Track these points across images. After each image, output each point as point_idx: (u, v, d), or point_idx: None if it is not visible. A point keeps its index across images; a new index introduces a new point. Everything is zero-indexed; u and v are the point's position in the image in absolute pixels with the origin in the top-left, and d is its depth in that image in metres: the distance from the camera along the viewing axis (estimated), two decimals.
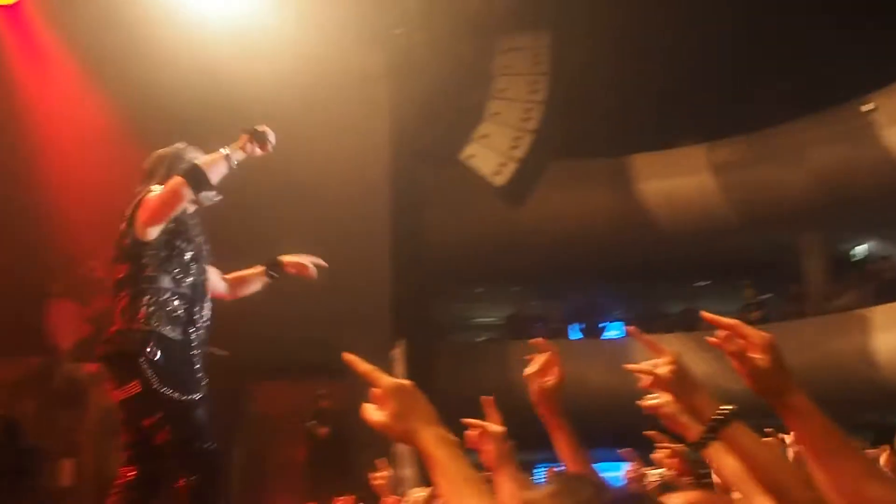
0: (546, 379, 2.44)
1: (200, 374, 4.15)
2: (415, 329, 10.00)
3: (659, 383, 2.01)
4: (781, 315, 14.00)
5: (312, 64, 8.94)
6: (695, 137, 13.65)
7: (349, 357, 1.61)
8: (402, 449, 7.93)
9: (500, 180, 10.77)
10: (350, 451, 9.13)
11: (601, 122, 12.56)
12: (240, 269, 4.67)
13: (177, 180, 4.04)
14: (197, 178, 4.05)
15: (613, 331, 16.24)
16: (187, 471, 3.83)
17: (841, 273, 14.29)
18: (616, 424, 6.85)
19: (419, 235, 11.67)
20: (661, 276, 15.23)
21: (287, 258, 4.63)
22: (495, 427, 2.40)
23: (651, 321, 14.49)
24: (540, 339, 2.53)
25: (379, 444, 8.53)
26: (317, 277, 4.57)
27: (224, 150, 4.11)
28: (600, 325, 16.54)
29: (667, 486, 3.29)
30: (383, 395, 1.57)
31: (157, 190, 4.15)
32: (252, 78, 8.76)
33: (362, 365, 1.58)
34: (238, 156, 4.13)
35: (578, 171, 13.42)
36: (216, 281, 4.52)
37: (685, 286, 16.36)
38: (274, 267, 4.63)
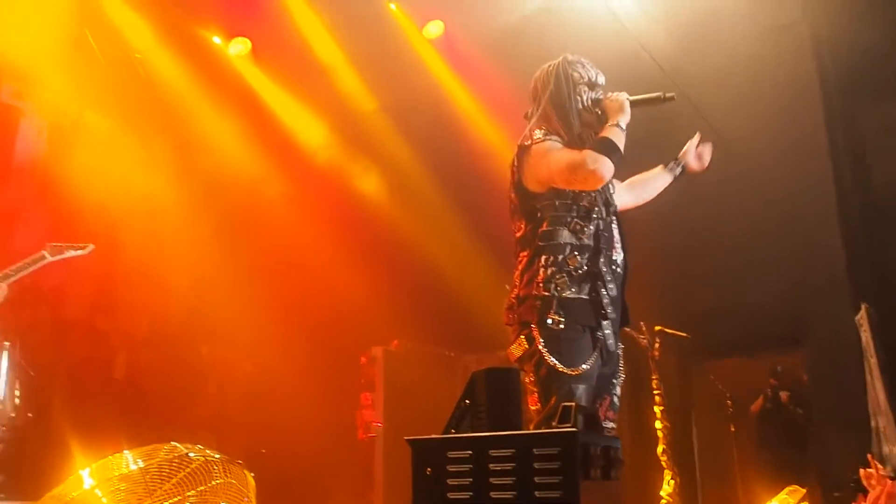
0: None
1: (611, 342, 3.65)
2: (874, 290, 8.96)
3: None
4: None
5: (726, 17, 8.44)
6: None
7: None
8: (883, 424, 7.14)
9: None
10: (804, 426, 8.56)
11: None
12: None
13: (591, 158, 3.56)
14: (613, 153, 3.62)
15: None
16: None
17: None
18: None
19: (865, 186, 10.46)
20: None
21: (685, 151, 4.27)
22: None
23: None
24: None
25: (836, 417, 7.82)
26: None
27: (620, 120, 3.71)
28: None
29: None
30: None
31: (542, 140, 3.73)
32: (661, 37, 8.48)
33: None
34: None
35: None
36: (620, 194, 4.08)
37: None
38: (675, 164, 4.27)
